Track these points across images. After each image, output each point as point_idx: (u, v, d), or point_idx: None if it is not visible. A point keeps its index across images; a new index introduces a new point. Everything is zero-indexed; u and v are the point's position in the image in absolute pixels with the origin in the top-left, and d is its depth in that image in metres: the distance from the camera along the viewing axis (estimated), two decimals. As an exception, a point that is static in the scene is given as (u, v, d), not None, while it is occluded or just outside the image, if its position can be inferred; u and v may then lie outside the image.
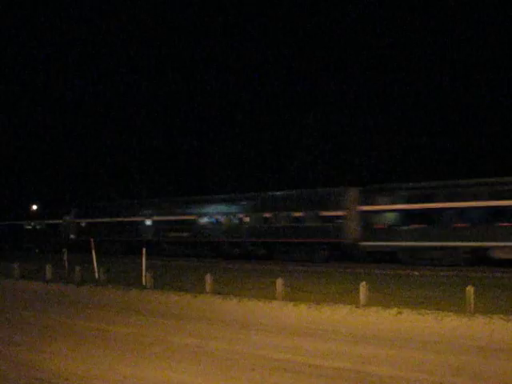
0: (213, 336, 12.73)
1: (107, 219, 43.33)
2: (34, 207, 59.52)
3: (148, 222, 40.05)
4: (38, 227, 51.37)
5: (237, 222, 34.69)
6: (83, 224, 45.41)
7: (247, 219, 34.15)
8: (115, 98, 74.90)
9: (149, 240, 38.32)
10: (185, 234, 37.33)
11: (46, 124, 71.35)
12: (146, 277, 20.50)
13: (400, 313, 13.59)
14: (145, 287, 20.05)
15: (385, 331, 12.62)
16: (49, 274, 24.32)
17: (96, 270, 23.36)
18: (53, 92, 78.75)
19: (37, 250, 49.10)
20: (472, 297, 13.17)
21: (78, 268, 23.00)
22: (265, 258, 32.74)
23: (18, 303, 19.33)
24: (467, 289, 13.33)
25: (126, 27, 79.15)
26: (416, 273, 23.40)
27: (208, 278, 18.33)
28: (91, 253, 24.76)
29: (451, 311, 13.28)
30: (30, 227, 52.45)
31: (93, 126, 68.45)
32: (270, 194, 35.56)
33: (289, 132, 54.69)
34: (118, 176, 63.60)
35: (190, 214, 37.38)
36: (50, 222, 49.91)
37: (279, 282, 16.44)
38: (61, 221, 47.97)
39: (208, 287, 18.15)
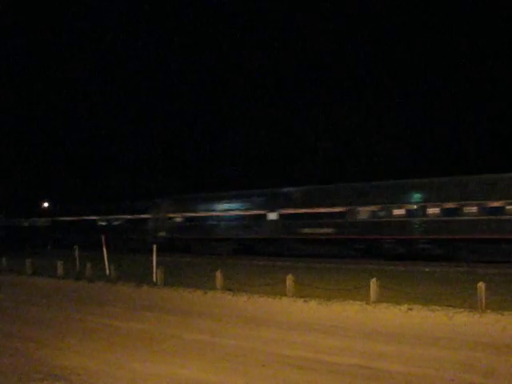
0: (223, 332, 12.76)
1: (211, 213, 36.38)
2: (46, 204, 59.79)
3: (271, 216, 33.07)
4: (115, 223, 44.51)
5: (403, 214, 28.28)
6: (179, 219, 38.51)
7: (419, 211, 27.86)
8: (117, 94, 75.56)
9: (271, 238, 32.77)
10: (326, 231, 30.53)
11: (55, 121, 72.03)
12: (156, 273, 20.58)
13: (410, 309, 13.57)
14: (155, 284, 20.14)
15: (395, 327, 12.58)
16: (60, 271, 24.50)
17: (107, 266, 23.49)
18: (62, 90, 79.31)
19: (49, 247, 49.24)
20: (483, 293, 13.11)
21: (89, 265, 23.16)
22: (442, 259, 26.55)
23: (29, 299, 19.47)
24: (478, 285, 13.27)
25: (128, 26, 79.55)
26: (426, 269, 23.31)
27: (218, 274, 18.37)
28: (102, 249, 24.90)
29: (462, 307, 13.25)
30: (104, 223, 45.67)
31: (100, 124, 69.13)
32: (453, 178, 28.33)
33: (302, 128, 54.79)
34: (127, 172, 63.97)
35: (336, 205, 30.36)
36: (133, 217, 42.59)
37: (289, 278, 16.45)
38: (148, 216, 41.00)
39: (218, 284, 18.20)
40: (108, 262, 23.72)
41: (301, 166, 52.65)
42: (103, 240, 25.17)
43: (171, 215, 38.95)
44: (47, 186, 67.74)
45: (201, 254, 34.71)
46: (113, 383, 9.07)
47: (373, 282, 14.85)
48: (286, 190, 34.17)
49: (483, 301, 13.07)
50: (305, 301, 15.43)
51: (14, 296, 20.55)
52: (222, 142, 60.38)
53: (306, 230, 31.19)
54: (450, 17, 55.77)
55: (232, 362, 10.07)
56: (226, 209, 35.41)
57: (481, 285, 13.23)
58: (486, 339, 11.23)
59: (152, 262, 21.66)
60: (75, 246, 27.52)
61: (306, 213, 31.36)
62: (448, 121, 49.02)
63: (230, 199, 35.91)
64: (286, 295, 16.18)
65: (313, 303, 15.17)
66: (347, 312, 14.19)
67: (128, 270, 24.53)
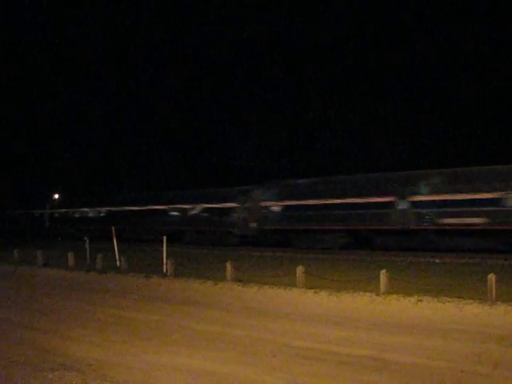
0: (233, 323, 12.81)
1: (319, 200, 31.23)
2: (56, 196, 60.08)
3: (402, 205, 28.18)
4: (191, 213, 39.19)
5: None
6: (276, 208, 33.49)
7: None
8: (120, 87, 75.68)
9: (401, 229, 28.05)
10: (475, 221, 25.63)
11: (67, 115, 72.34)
12: (166, 264, 20.66)
13: (420, 301, 13.53)
14: (166, 275, 20.22)
15: (405, 319, 12.58)
16: (71, 262, 24.66)
17: (117, 258, 23.61)
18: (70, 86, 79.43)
19: (59, 238, 49.53)
20: (493, 285, 13.05)
21: (99, 256, 23.28)
22: None
23: (40, 290, 19.62)
24: (489, 276, 13.21)
25: (130, 26, 79.42)
26: (437, 260, 23.24)
27: (228, 265, 18.41)
28: (112, 240, 25.03)
29: (472, 299, 13.19)
30: (176, 213, 40.43)
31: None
32: None
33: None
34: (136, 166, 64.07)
35: (489, 190, 25.25)
36: (213, 205, 37.46)
37: (299, 269, 16.45)
38: (234, 204, 35.91)
39: (228, 275, 18.24)
40: (118, 253, 23.83)
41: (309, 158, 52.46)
42: (113, 231, 25.30)
43: (266, 203, 34.03)
44: (58, 177, 68.08)
45: (302, 249, 31.09)
46: (124, 373, 9.13)
47: (383, 274, 14.83)
48: (421, 173, 29.44)
49: (493, 292, 13.02)
50: (315, 292, 15.44)
51: (24, 287, 20.71)
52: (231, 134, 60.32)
53: (449, 221, 26.53)
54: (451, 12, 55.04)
55: (242, 352, 10.11)
56: (339, 195, 30.68)
57: (491, 276, 13.17)
58: (497, 331, 11.20)
59: (162, 253, 21.77)
60: (86, 238, 27.66)
61: (448, 200, 26.58)
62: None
63: (343, 184, 31.37)
64: (296, 286, 16.19)
65: (323, 294, 15.18)
66: (357, 303, 14.19)
67: (139, 262, 24.64)
